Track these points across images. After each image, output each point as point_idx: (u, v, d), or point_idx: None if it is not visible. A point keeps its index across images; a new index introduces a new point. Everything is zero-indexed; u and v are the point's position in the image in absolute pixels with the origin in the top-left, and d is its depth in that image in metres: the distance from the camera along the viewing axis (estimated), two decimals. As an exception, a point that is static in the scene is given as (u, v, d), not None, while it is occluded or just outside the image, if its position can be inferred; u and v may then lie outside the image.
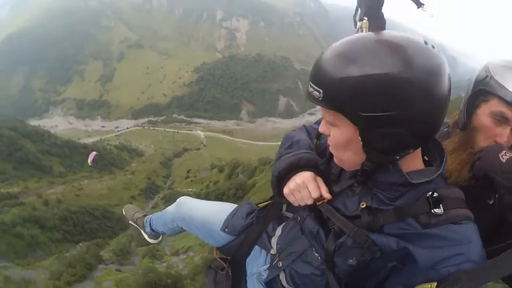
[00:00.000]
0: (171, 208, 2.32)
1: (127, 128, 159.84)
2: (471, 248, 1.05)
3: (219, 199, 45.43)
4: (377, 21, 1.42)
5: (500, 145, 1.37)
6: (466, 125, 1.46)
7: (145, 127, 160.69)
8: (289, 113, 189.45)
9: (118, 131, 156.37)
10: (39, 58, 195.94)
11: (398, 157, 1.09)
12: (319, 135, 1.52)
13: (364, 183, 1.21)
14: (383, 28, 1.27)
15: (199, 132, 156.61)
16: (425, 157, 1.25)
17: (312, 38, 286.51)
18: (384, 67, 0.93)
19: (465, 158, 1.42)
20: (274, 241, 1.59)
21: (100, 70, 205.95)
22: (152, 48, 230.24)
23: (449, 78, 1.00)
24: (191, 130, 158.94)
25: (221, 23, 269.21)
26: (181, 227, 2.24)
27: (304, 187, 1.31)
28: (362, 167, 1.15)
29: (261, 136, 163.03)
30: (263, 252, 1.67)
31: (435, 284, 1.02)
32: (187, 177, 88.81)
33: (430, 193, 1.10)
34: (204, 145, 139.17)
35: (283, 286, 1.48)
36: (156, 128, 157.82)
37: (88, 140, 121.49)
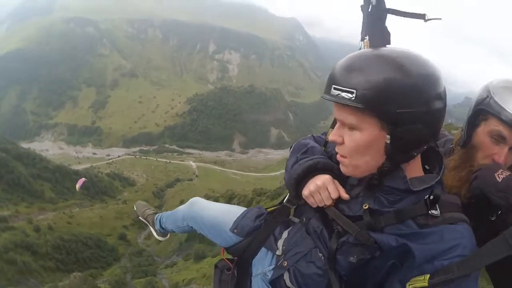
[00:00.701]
0: (183, 207, 2.39)
1: (119, 156, 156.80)
2: (464, 244, 1.14)
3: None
4: (381, 36, 1.38)
5: (497, 164, 1.40)
6: (466, 143, 1.49)
7: (137, 156, 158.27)
8: (280, 144, 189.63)
9: (110, 159, 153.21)
10: (33, 79, 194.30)
11: (415, 153, 1.22)
12: (325, 144, 1.64)
13: (373, 187, 1.29)
14: (388, 42, 1.32)
15: (191, 162, 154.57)
16: (426, 166, 1.36)
17: (302, 71, 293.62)
18: (406, 71, 1.10)
19: (465, 176, 1.45)
20: (280, 243, 1.64)
21: (93, 96, 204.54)
22: (145, 77, 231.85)
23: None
24: (183, 161, 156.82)
25: (213, 55, 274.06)
26: (191, 226, 2.29)
27: (324, 189, 1.39)
28: (382, 169, 1.24)
29: (253, 167, 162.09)
30: (269, 253, 1.72)
31: (428, 276, 1.11)
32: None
33: (427, 196, 1.20)
34: (197, 176, 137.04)
35: (286, 285, 1.53)
36: (148, 158, 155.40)
37: (79, 167, 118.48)
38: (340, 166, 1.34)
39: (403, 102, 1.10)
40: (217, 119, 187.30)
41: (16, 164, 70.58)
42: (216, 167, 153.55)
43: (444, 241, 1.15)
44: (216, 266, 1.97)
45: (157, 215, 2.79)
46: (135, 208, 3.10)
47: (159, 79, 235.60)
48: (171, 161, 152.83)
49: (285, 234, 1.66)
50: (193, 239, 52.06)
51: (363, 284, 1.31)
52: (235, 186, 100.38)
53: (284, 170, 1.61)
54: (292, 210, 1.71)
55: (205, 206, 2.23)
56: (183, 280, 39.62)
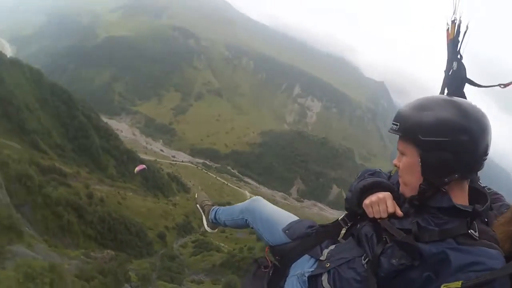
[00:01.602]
0: (243, 202, 2.60)
1: (182, 162, 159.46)
2: (497, 262, 1.28)
3: (242, 269, 39.89)
4: (458, 94, 1.65)
5: None
6: None
7: (199, 168, 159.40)
8: (338, 204, 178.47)
9: (174, 160, 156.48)
10: (129, 67, 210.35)
11: (446, 179, 1.41)
12: (389, 178, 1.87)
13: (419, 208, 1.51)
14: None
15: (246, 192, 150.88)
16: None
17: (378, 137, 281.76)
18: (432, 108, 1.41)
19: (511, 230, 1.51)
20: (325, 251, 1.81)
21: (177, 101, 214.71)
22: (228, 99, 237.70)
23: (490, 138, 1.39)
24: (239, 187, 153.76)
25: (296, 98, 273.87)
26: (245, 220, 2.46)
27: (383, 203, 1.58)
28: (420, 189, 1.47)
29: (304, 218, 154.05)
30: (312, 259, 1.84)
31: (461, 282, 1.23)
32: (223, 231, 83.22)
33: (468, 218, 1.38)
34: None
35: (322, 286, 1.66)
36: (208, 173, 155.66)
37: (144, 157, 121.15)
38: (400, 185, 1.60)
39: (428, 132, 1.37)
40: (284, 160, 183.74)
41: (93, 133, 72.28)
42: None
43: (478, 257, 1.28)
44: (255, 260, 2.11)
45: (214, 206, 3.01)
46: (196, 196, 3.34)
47: (241, 105, 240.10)
48: (228, 184, 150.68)
49: (332, 247, 1.82)
50: (227, 267, 48.50)
51: None
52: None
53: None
54: (343, 232, 1.88)
55: (266, 204, 2.42)
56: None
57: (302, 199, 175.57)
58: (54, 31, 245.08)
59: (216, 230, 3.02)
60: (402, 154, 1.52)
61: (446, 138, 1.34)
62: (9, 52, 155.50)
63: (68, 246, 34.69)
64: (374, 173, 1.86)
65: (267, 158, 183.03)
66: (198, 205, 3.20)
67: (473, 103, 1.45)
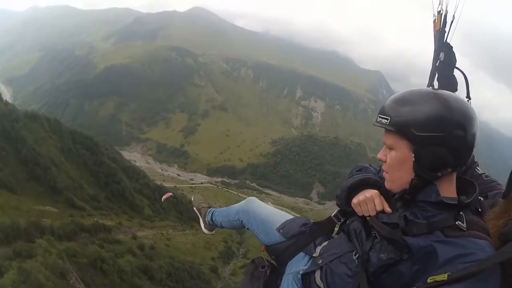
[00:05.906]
0: (239, 203, 2.62)
1: (201, 183, 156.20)
2: (484, 254, 1.25)
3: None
4: (448, 81, 1.64)
5: None
6: (506, 194, 1.55)
7: (219, 187, 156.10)
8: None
9: (193, 183, 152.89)
10: (132, 94, 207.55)
11: (439, 174, 1.40)
12: (378, 172, 1.87)
13: (408, 203, 1.50)
14: (455, 88, 2.01)
15: (269, 203, 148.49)
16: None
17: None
18: (427, 102, 1.38)
19: (501, 225, 1.50)
20: (319, 248, 1.84)
21: (185, 122, 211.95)
22: (234, 112, 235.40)
23: (477, 127, 1.39)
24: (262, 200, 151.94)
25: (299, 101, 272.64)
26: (241, 221, 2.48)
27: (371, 201, 1.59)
28: (411, 184, 1.45)
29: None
30: (306, 257, 1.88)
31: (447, 274, 1.23)
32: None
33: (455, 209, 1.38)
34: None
35: (316, 283, 1.68)
36: (229, 190, 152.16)
37: (164, 184, 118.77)
38: (385, 181, 1.59)
39: (423, 127, 1.35)
40: (299, 166, 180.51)
41: (123, 176, 69.66)
42: (294, 213, 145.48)
43: (466, 249, 1.27)
44: (252, 261, 2.14)
45: (210, 209, 3.07)
46: (192, 199, 3.44)
47: (247, 116, 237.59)
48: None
49: (325, 243, 1.85)
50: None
51: None
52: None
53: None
54: (336, 228, 1.91)
55: (260, 204, 2.48)
56: None
57: (323, 201, 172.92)
58: (49, 67, 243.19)
59: (214, 232, 3.11)
60: (391, 149, 1.49)
61: (443, 133, 1.34)
62: (6, 95, 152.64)
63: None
64: (361, 169, 1.85)
65: (283, 166, 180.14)
66: (195, 208, 3.20)
67: (457, 95, 1.45)
